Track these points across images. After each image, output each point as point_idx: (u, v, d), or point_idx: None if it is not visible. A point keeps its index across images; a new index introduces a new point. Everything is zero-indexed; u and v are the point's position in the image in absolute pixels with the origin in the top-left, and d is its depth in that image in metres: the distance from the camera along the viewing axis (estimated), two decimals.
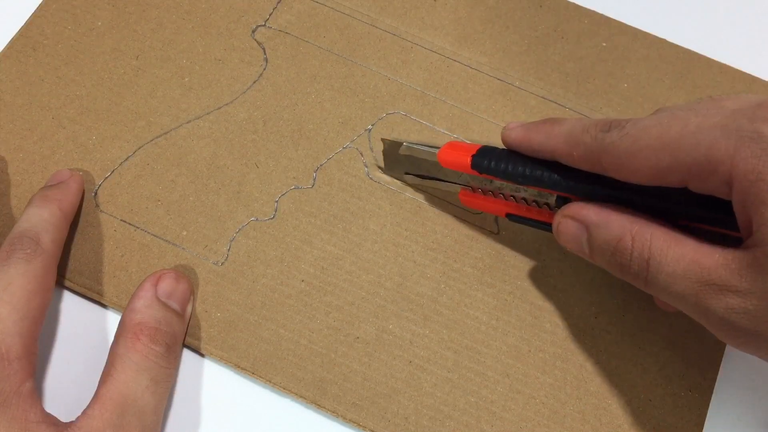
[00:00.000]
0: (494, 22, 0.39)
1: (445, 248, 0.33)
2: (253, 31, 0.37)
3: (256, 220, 0.33)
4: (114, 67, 0.36)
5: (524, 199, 0.30)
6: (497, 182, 0.30)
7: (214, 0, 0.38)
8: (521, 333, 0.32)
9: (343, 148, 0.35)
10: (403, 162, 0.33)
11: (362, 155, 0.35)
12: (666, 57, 0.38)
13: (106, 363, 0.28)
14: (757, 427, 0.31)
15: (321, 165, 0.35)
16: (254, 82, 0.36)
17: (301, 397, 0.30)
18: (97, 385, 0.27)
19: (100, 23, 0.37)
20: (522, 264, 0.33)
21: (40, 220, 0.30)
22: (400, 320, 0.32)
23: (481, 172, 0.29)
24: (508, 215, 0.31)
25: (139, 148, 0.34)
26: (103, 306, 0.32)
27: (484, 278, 0.33)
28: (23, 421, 0.25)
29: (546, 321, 0.32)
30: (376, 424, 0.30)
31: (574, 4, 0.39)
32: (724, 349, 0.32)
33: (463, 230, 0.34)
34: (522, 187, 0.29)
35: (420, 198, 0.34)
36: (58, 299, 0.32)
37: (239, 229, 0.33)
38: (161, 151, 0.34)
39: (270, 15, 0.38)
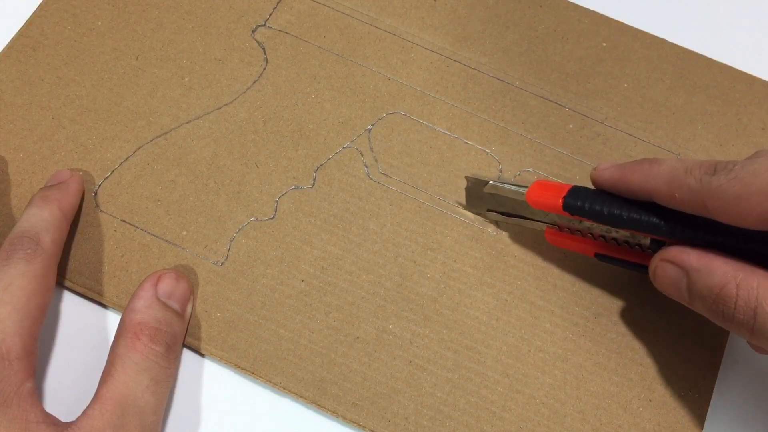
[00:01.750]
0: (494, 22, 0.39)
1: (445, 248, 0.33)
2: (253, 31, 0.37)
3: (256, 220, 0.33)
4: (114, 67, 0.36)
5: (614, 239, 0.29)
6: (587, 222, 0.29)
7: (214, 0, 0.38)
8: (521, 333, 0.32)
9: (343, 148, 0.35)
10: (486, 200, 0.32)
11: (362, 155, 0.35)
12: (666, 57, 0.38)
13: (107, 363, 0.28)
14: (757, 427, 0.31)
15: (321, 165, 0.35)
16: (254, 82, 0.36)
17: (301, 397, 0.30)
18: (97, 385, 0.27)
19: (100, 23, 0.37)
20: (522, 264, 0.33)
21: (40, 220, 0.30)
22: (400, 320, 0.32)
23: (573, 214, 0.28)
24: (597, 255, 0.30)
25: (139, 148, 0.34)
26: (103, 306, 0.32)
27: (484, 278, 0.33)
28: (23, 421, 0.25)
29: (546, 321, 0.32)
30: (376, 424, 0.30)
31: (574, 4, 0.39)
32: (724, 349, 0.32)
33: (463, 230, 0.34)
34: (614, 228, 0.28)
35: (420, 198, 0.34)
36: (58, 299, 0.32)
37: (239, 229, 0.33)
38: (161, 151, 0.34)
39: (270, 15, 0.38)
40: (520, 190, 0.31)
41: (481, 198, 0.33)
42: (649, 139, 0.36)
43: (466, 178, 0.33)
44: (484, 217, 0.34)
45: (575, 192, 0.28)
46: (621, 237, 0.29)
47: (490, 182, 0.32)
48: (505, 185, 0.31)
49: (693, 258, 0.25)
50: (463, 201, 0.34)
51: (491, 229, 0.34)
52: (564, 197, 0.28)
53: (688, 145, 0.36)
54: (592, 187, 0.29)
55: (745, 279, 0.24)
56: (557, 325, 0.32)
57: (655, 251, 0.28)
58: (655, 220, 0.26)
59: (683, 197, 0.25)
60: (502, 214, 0.32)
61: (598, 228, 0.29)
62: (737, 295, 0.24)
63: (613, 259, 0.30)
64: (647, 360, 0.32)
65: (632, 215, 0.27)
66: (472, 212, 0.34)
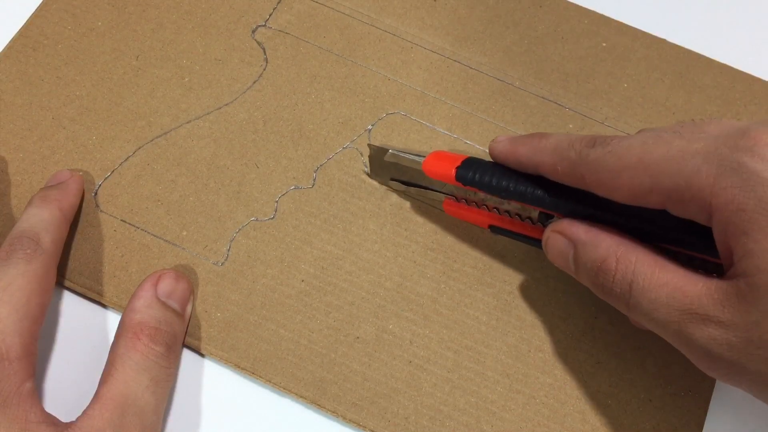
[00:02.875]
0: (494, 22, 0.39)
1: (445, 248, 0.33)
2: (253, 31, 0.37)
3: (256, 220, 0.33)
4: (114, 67, 0.36)
5: (507, 211, 0.30)
6: (481, 194, 0.30)
7: (214, 0, 0.38)
8: (521, 333, 0.32)
9: (343, 148, 0.35)
10: (388, 168, 0.33)
11: (362, 155, 0.35)
12: (666, 57, 0.38)
13: (107, 363, 0.28)
14: (756, 427, 0.31)
15: (321, 165, 0.35)
16: (254, 82, 0.36)
17: (301, 397, 0.30)
18: (97, 385, 0.27)
19: (100, 23, 0.37)
20: (522, 264, 0.33)
21: (40, 220, 0.30)
22: (400, 320, 0.32)
23: (465, 184, 0.29)
24: (491, 227, 0.31)
25: (139, 148, 0.34)
26: (103, 306, 0.32)
27: (484, 278, 0.33)
28: (23, 421, 0.25)
29: (546, 321, 0.32)
30: (376, 424, 0.30)
31: (574, 4, 0.39)
32: None
33: (463, 230, 0.34)
34: (505, 200, 0.29)
35: (420, 198, 0.34)
36: (58, 299, 0.32)
37: (239, 229, 0.33)
38: (161, 151, 0.34)
39: (270, 15, 0.38)
40: (418, 159, 0.31)
41: (383, 167, 0.33)
42: None
43: (369, 145, 0.33)
44: (387, 186, 0.34)
45: (468, 163, 0.29)
46: (512, 209, 0.29)
47: (390, 151, 0.32)
48: (404, 154, 0.32)
49: (581, 231, 0.26)
50: (368, 169, 0.34)
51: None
52: (457, 167, 0.29)
53: None
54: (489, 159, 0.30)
55: (624, 254, 0.24)
56: (557, 325, 0.32)
57: (543, 224, 0.29)
58: (540, 192, 0.27)
59: (564, 169, 0.26)
60: (404, 183, 0.33)
61: (492, 200, 0.30)
62: (616, 269, 0.24)
63: (505, 231, 0.30)
64: (647, 360, 0.32)
65: (519, 187, 0.27)
66: (376, 180, 0.34)
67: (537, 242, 0.29)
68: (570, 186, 0.26)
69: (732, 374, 0.22)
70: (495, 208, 0.30)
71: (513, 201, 0.29)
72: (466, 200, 0.31)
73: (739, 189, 0.21)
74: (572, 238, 0.26)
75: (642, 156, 0.23)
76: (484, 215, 0.31)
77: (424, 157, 0.31)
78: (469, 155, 0.30)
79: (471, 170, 0.29)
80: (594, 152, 0.25)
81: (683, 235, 0.25)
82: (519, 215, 0.29)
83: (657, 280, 0.23)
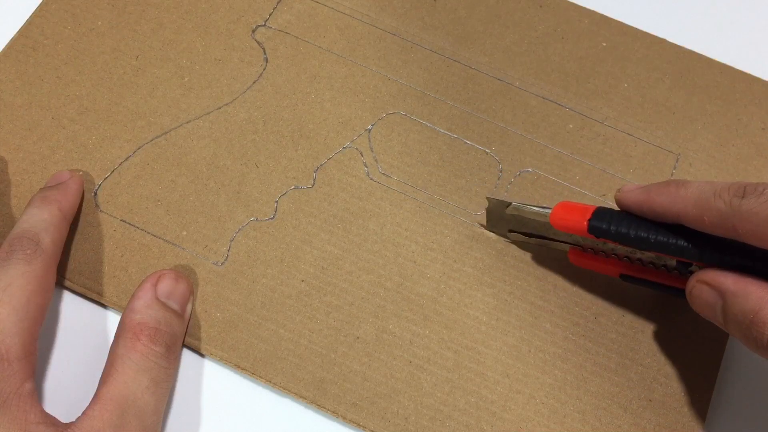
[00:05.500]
0: (494, 22, 0.39)
1: (445, 248, 0.33)
2: (253, 31, 0.37)
3: (256, 220, 0.33)
4: (114, 67, 0.36)
5: (640, 260, 0.29)
6: (611, 243, 0.28)
7: (214, 0, 0.38)
8: (521, 333, 0.32)
9: (343, 148, 0.35)
10: (508, 221, 0.32)
11: (362, 155, 0.35)
12: (666, 57, 0.38)
13: (106, 363, 0.28)
14: (757, 427, 0.31)
15: (321, 165, 0.35)
16: (254, 82, 0.36)
17: (301, 397, 0.30)
18: (97, 385, 0.27)
19: (100, 23, 0.37)
20: (522, 264, 0.33)
21: (40, 220, 0.30)
22: (400, 320, 0.32)
23: (598, 237, 0.28)
24: (622, 276, 0.30)
25: (139, 148, 0.34)
26: (103, 306, 0.32)
27: (484, 278, 0.33)
28: (23, 421, 0.25)
29: (546, 321, 0.32)
30: (376, 424, 0.30)
31: (574, 4, 0.39)
32: (724, 349, 0.32)
33: (463, 230, 0.34)
34: (639, 250, 0.28)
35: (420, 198, 0.34)
36: (58, 299, 0.32)
37: (239, 229, 0.33)
38: (161, 151, 0.34)
39: (270, 15, 0.38)
40: (544, 212, 0.30)
41: (503, 219, 0.32)
42: (649, 139, 0.36)
43: (488, 199, 0.33)
44: (506, 237, 0.33)
45: (600, 214, 0.28)
46: (646, 258, 0.29)
47: (513, 204, 0.32)
48: (527, 207, 0.31)
49: (729, 281, 0.25)
50: (485, 222, 0.34)
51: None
52: (589, 220, 0.28)
53: (688, 145, 0.36)
54: (614, 207, 0.29)
55: None
56: (557, 325, 0.32)
57: (682, 273, 0.28)
58: (683, 243, 0.26)
59: (713, 221, 0.25)
60: (524, 234, 0.32)
61: (623, 249, 0.29)
62: None
63: (638, 279, 0.30)
64: (647, 360, 0.32)
65: (659, 238, 0.26)
66: (494, 233, 0.33)
67: (674, 290, 0.29)
68: (713, 235, 0.25)
69: None
70: (626, 257, 0.29)
71: (650, 252, 0.27)
72: (593, 249, 0.30)
73: None
74: (720, 289, 0.25)
75: None
76: (613, 264, 0.30)
77: (549, 208, 0.30)
78: (597, 206, 0.29)
79: (605, 222, 0.28)
80: (747, 203, 0.24)
81: None
82: (653, 263, 0.29)
83: None
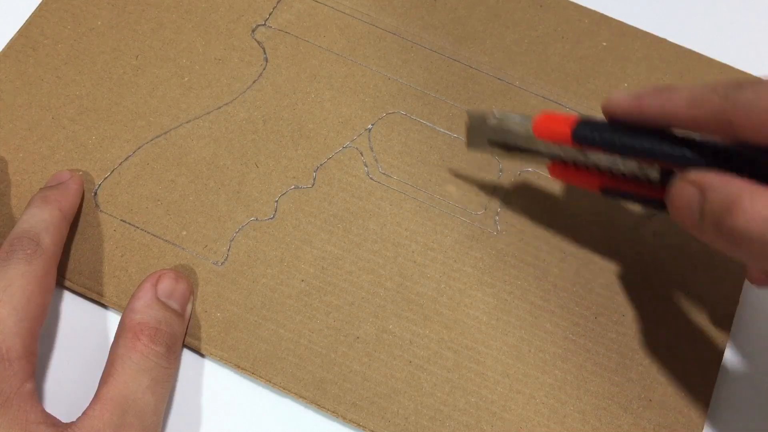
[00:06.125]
0: (494, 21, 0.39)
1: (445, 248, 0.33)
2: (253, 31, 0.37)
3: (256, 220, 0.33)
4: (114, 67, 0.36)
5: (622, 172, 0.28)
6: (593, 156, 0.28)
7: (214, 0, 0.38)
8: (521, 333, 0.32)
9: (343, 147, 0.35)
10: (488, 133, 0.31)
11: (362, 155, 0.35)
12: (666, 57, 0.38)
13: (107, 363, 0.28)
14: (757, 427, 0.31)
15: (321, 165, 0.35)
16: (254, 82, 0.36)
17: (301, 397, 0.30)
18: (97, 385, 0.27)
19: (100, 23, 0.37)
20: (522, 264, 0.33)
21: (40, 220, 0.30)
22: (400, 320, 0.32)
23: (583, 144, 0.27)
24: (603, 190, 0.29)
25: (139, 148, 0.34)
26: (103, 306, 0.32)
27: (484, 278, 0.33)
28: (23, 421, 0.25)
29: (546, 321, 0.32)
30: (376, 424, 0.30)
31: (574, 4, 0.39)
32: (724, 350, 0.32)
33: (463, 230, 0.34)
34: (621, 160, 0.27)
35: (420, 198, 0.34)
36: (58, 299, 0.32)
37: (239, 229, 0.33)
38: (161, 151, 0.34)
39: (270, 14, 0.38)
40: (526, 121, 0.29)
41: (484, 132, 0.31)
42: None
43: (468, 112, 0.32)
44: (486, 151, 0.32)
45: (584, 122, 0.27)
46: (629, 170, 0.27)
47: (494, 112, 0.30)
48: (510, 115, 0.30)
49: (712, 176, 0.24)
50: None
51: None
52: (573, 127, 0.27)
53: None
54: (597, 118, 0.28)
55: (761, 191, 0.22)
56: (557, 325, 0.32)
57: (665, 183, 0.27)
58: (670, 148, 0.25)
59: (707, 116, 0.24)
60: (504, 147, 0.31)
61: (605, 160, 0.28)
62: (751, 205, 0.22)
63: (619, 192, 0.29)
64: (647, 360, 0.32)
65: (646, 144, 0.26)
66: (473, 149, 0.32)
67: (655, 202, 0.28)
68: (702, 140, 0.25)
69: None
70: (608, 169, 0.28)
71: (634, 160, 0.27)
72: (574, 162, 0.29)
73: None
74: (701, 185, 0.24)
75: None
76: (595, 177, 0.29)
77: (530, 117, 0.29)
78: (578, 114, 0.28)
79: (589, 129, 0.27)
80: (744, 94, 0.23)
81: None
82: (635, 175, 0.28)
83: None
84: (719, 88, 0.24)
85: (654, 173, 0.27)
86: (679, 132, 0.26)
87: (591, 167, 0.29)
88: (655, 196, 0.28)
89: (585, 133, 0.27)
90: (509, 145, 0.31)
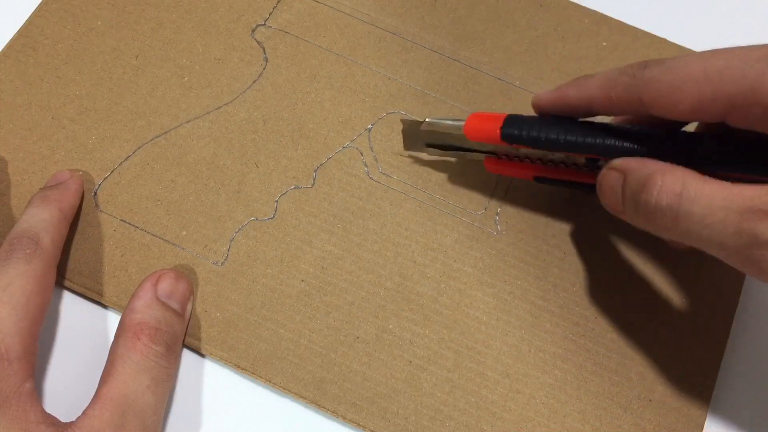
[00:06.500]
0: (494, 21, 0.39)
1: (445, 248, 0.33)
2: (253, 31, 0.37)
3: (256, 219, 0.33)
4: (114, 67, 0.36)
5: (551, 161, 0.30)
6: (524, 149, 0.30)
7: (214, 0, 0.38)
8: (521, 333, 0.32)
9: (343, 147, 0.35)
10: (423, 138, 0.33)
11: (362, 155, 0.35)
12: (666, 57, 0.38)
13: (107, 363, 0.28)
14: (757, 427, 0.31)
15: (321, 165, 0.35)
16: (254, 82, 0.36)
17: (301, 397, 0.30)
18: (97, 385, 0.27)
19: (100, 23, 0.37)
20: (522, 264, 0.33)
21: (40, 220, 0.30)
22: (400, 320, 0.32)
23: (511, 143, 0.29)
24: (536, 178, 0.31)
25: (139, 148, 0.34)
26: (103, 306, 0.32)
27: (484, 278, 0.33)
28: (23, 421, 0.25)
29: (546, 321, 0.32)
30: (376, 424, 0.30)
31: (574, 3, 0.39)
32: (724, 349, 0.32)
33: (463, 230, 0.34)
34: (552, 152, 0.29)
35: (420, 198, 0.34)
36: (58, 299, 0.32)
37: (239, 229, 0.33)
38: (161, 151, 0.34)
39: (270, 14, 0.38)
40: (457, 124, 0.31)
41: (418, 137, 0.33)
42: None
43: (402, 120, 0.33)
44: (423, 151, 0.34)
45: (511, 121, 0.29)
46: (557, 159, 0.30)
47: (427, 119, 0.32)
48: (441, 121, 0.32)
49: (633, 162, 0.26)
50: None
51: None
52: (501, 127, 0.29)
53: None
54: (525, 114, 0.30)
55: (671, 169, 0.24)
56: (557, 325, 0.32)
57: (591, 169, 0.29)
58: (590, 140, 0.27)
59: (619, 95, 0.26)
60: (441, 148, 0.33)
61: (535, 153, 0.30)
62: (662, 181, 0.24)
63: (551, 180, 0.31)
64: (647, 360, 0.32)
65: (568, 138, 0.28)
66: (411, 152, 0.34)
67: (585, 186, 0.30)
68: (621, 126, 0.27)
69: None
70: (539, 159, 0.30)
71: (561, 152, 0.28)
72: (507, 156, 0.31)
73: None
74: (624, 169, 0.26)
75: (702, 68, 0.23)
76: (528, 168, 0.31)
77: (462, 121, 0.31)
78: (507, 113, 0.29)
79: (516, 128, 0.28)
80: (650, 71, 0.25)
81: (732, 158, 0.26)
82: (564, 163, 0.30)
83: (709, 187, 0.23)
84: (628, 69, 0.26)
85: (581, 160, 0.29)
86: (601, 122, 0.28)
87: (524, 159, 0.31)
88: (584, 181, 0.30)
89: (512, 132, 0.29)
90: (445, 146, 0.33)
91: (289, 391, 0.30)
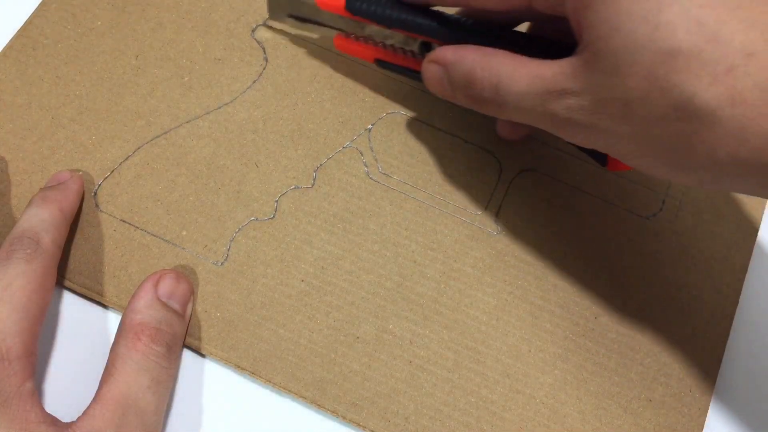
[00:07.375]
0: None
1: (445, 248, 0.33)
2: (253, 31, 0.37)
3: (256, 219, 0.33)
4: (114, 67, 0.36)
5: (392, 46, 0.33)
6: (369, 29, 0.32)
7: (214, 0, 0.38)
8: (521, 333, 0.32)
9: (343, 147, 0.35)
10: (285, 7, 0.35)
11: (362, 155, 0.35)
12: None
13: (107, 363, 0.28)
14: (757, 427, 0.31)
15: (321, 165, 0.35)
16: (254, 82, 0.36)
17: (301, 397, 0.30)
18: (97, 385, 0.27)
19: (99, 23, 0.37)
20: (522, 264, 0.33)
21: (40, 220, 0.30)
22: (400, 320, 0.32)
23: (353, 14, 0.31)
24: (377, 61, 0.34)
25: (139, 148, 0.34)
26: (103, 306, 0.32)
27: (484, 278, 0.33)
28: (23, 421, 0.25)
29: (546, 321, 0.32)
30: (376, 424, 0.30)
31: None
32: (724, 349, 0.32)
33: (463, 230, 0.34)
34: (390, 33, 0.32)
35: (420, 198, 0.34)
36: (58, 299, 0.32)
37: (239, 229, 0.33)
38: (161, 151, 0.34)
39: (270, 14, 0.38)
40: None
41: (280, 5, 0.35)
42: None
43: None
44: (285, 22, 0.36)
45: None
46: (396, 43, 0.32)
47: None
48: None
49: (449, 53, 0.28)
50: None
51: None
52: None
53: None
54: None
55: (487, 61, 0.27)
56: (557, 325, 0.32)
57: (424, 56, 0.31)
58: (422, 20, 0.29)
59: None
60: (301, 20, 0.35)
61: (378, 34, 0.33)
62: (482, 76, 0.27)
63: (390, 64, 0.33)
64: (647, 360, 0.32)
65: (402, 16, 0.30)
66: (274, 20, 0.36)
67: (418, 74, 0.31)
68: (454, 16, 0.29)
69: (590, 136, 0.25)
70: (381, 42, 0.33)
71: (396, 31, 0.31)
72: (354, 36, 0.34)
73: None
74: (443, 62, 0.28)
75: None
76: (370, 49, 0.33)
77: None
78: None
79: (359, 1, 0.31)
80: None
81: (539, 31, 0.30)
82: (402, 48, 0.32)
83: (518, 74, 0.26)
84: None
85: (416, 46, 0.32)
86: (437, 10, 0.30)
87: (368, 40, 0.33)
88: (418, 69, 0.31)
89: (354, 3, 0.31)
90: (303, 18, 0.35)
91: (289, 391, 0.30)
